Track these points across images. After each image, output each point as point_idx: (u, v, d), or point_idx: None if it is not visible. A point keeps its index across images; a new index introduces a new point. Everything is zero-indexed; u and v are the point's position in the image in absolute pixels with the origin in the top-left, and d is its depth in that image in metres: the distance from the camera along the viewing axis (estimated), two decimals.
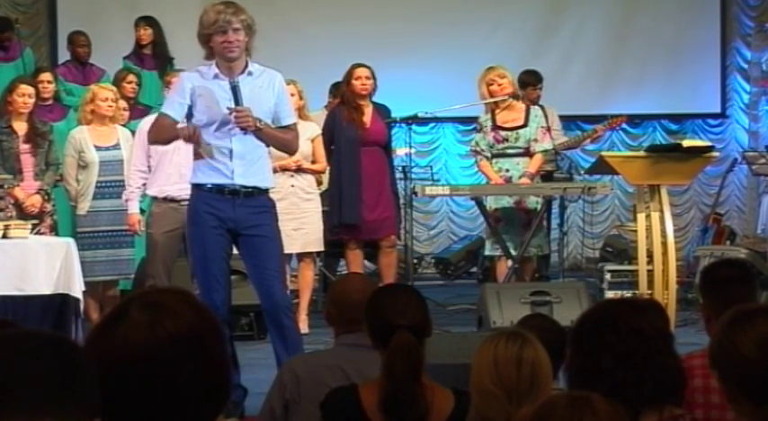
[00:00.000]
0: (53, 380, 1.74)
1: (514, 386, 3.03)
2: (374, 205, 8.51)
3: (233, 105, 5.73)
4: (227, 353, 2.00)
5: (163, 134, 5.95)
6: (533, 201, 8.43)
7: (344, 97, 8.73)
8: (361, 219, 8.55)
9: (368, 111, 8.62)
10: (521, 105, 8.62)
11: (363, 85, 8.61)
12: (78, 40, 10.27)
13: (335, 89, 10.19)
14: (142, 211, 8.31)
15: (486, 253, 8.85)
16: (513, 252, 8.29)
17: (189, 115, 5.84)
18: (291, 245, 7.97)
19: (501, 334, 3.17)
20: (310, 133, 8.50)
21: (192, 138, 5.74)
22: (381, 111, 8.69)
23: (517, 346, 3.07)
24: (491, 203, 8.43)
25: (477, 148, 8.52)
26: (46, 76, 9.21)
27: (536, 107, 8.65)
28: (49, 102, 9.13)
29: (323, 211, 8.73)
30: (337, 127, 8.64)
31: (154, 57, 10.32)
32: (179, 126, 5.83)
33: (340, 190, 8.62)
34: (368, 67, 8.69)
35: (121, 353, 1.86)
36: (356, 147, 8.55)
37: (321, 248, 8.79)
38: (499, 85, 8.45)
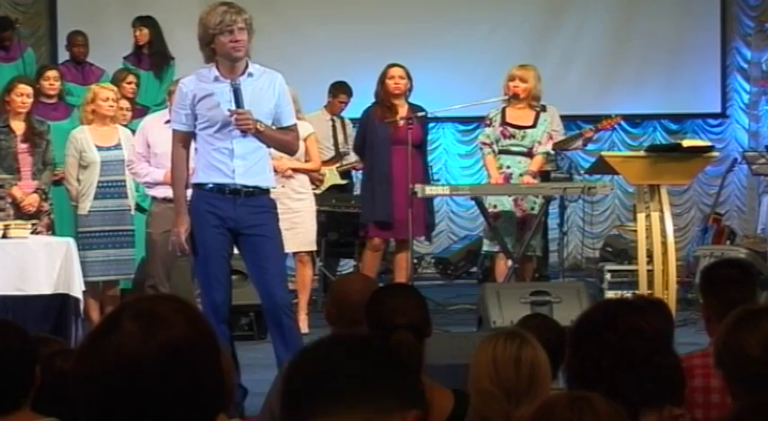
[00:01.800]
0: (368, 376, 1.83)
1: (513, 386, 3.03)
2: (405, 204, 8.45)
3: (234, 107, 5.74)
4: (222, 361, 1.99)
5: (176, 175, 6.00)
6: (531, 202, 8.44)
7: (378, 96, 8.73)
8: (393, 217, 8.54)
9: (402, 111, 8.60)
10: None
11: (396, 84, 8.62)
12: (75, 39, 10.26)
13: (335, 89, 10.20)
14: (143, 211, 8.32)
15: (485, 249, 8.86)
16: (510, 251, 8.29)
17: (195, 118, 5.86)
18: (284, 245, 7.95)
19: (500, 334, 3.17)
20: (302, 132, 8.48)
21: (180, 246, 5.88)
22: (417, 111, 8.66)
23: (516, 346, 3.07)
24: (490, 200, 8.43)
25: (488, 141, 8.51)
26: (52, 73, 9.22)
27: (546, 112, 8.64)
28: (54, 99, 9.14)
29: (326, 212, 8.73)
30: (370, 125, 8.66)
31: (150, 57, 10.31)
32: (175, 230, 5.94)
33: (371, 188, 8.62)
34: (402, 67, 8.71)
35: (113, 363, 1.85)
36: (388, 145, 8.55)
37: (314, 248, 8.78)
38: (515, 85, 8.46)
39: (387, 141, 8.56)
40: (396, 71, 8.67)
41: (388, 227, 8.58)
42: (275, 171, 8.23)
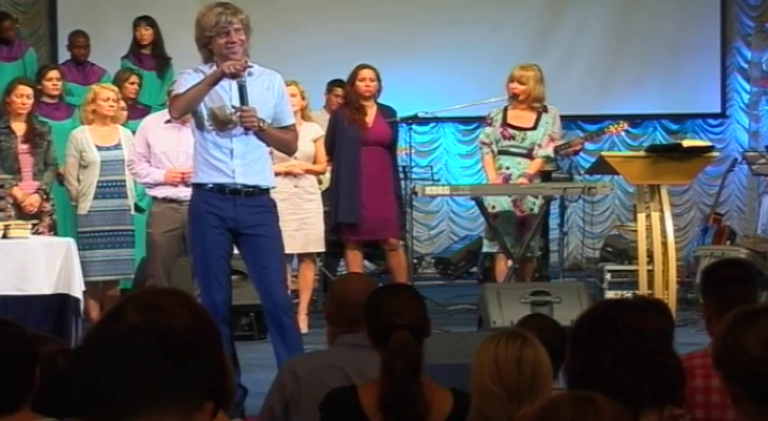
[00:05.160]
0: (166, 376, 1.78)
1: (515, 386, 3.03)
2: (375, 205, 8.49)
3: (238, 104, 5.73)
4: (224, 354, 1.99)
5: (192, 95, 5.70)
6: (530, 202, 8.44)
7: (348, 98, 8.74)
8: (361, 219, 8.55)
9: (371, 112, 8.62)
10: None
11: (367, 86, 8.62)
12: (76, 40, 10.25)
13: (330, 85, 10.20)
14: (142, 211, 8.32)
15: (484, 249, 8.87)
16: (510, 250, 8.29)
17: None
18: (292, 245, 7.97)
19: (501, 334, 3.17)
20: (313, 134, 8.51)
21: (237, 68, 5.59)
22: (386, 112, 8.68)
23: (517, 346, 3.07)
24: (488, 201, 8.44)
25: (487, 141, 8.51)
26: (54, 73, 9.22)
27: (547, 113, 8.61)
28: (56, 100, 9.14)
29: (324, 212, 8.74)
30: (339, 127, 8.66)
31: (153, 57, 10.31)
32: (213, 71, 5.67)
33: (339, 189, 8.64)
34: (372, 69, 8.70)
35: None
36: (356, 146, 8.56)
37: (322, 249, 8.79)
38: (514, 87, 8.46)
39: (355, 142, 8.56)
40: (366, 73, 8.67)
41: (356, 228, 8.58)
42: (290, 174, 8.30)
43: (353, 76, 8.69)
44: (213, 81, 5.68)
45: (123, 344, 1.83)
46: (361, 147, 8.57)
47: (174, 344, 1.85)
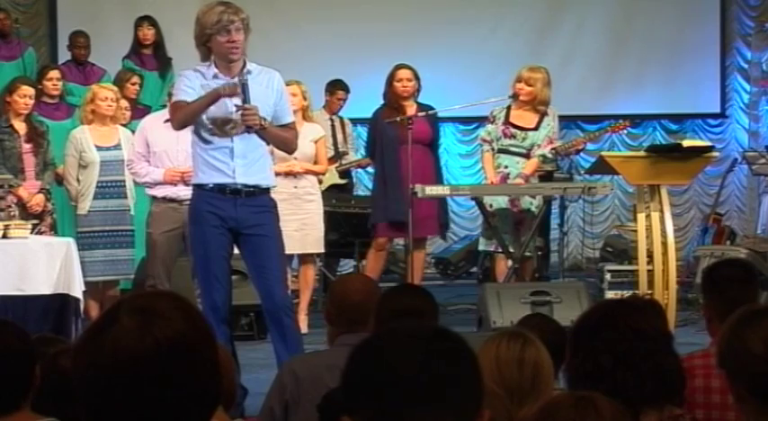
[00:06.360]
0: (442, 381, 1.82)
1: (516, 386, 3.03)
2: (416, 203, 8.43)
3: (239, 103, 5.72)
4: (223, 357, 1.99)
5: (192, 111, 5.72)
6: (527, 202, 8.44)
7: (387, 98, 8.72)
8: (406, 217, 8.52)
9: (411, 111, 8.59)
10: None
11: (405, 87, 8.61)
12: (76, 40, 10.25)
13: (331, 87, 10.20)
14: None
15: (480, 248, 8.86)
16: (508, 249, 8.30)
17: None
18: (291, 245, 7.95)
19: (503, 334, 3.17)
20: (314, 135, 8.49)
21: (234, 91, 5.65)
22: (426, 110, 8.65)
23: (519, 346, 3.07)
24: (486, 200, 8.43)
25: (488, 138, 8.51)
26: (54, 73, 9.22)
27: (549, 116, 8.60)
28: (56, 100, 9.14)
29: (326, 212, 8.75)
30: (380, 126, 8.64)
31: (155, 57, 10.30)
32: (214, 88, 5.68)
33: (384, 188, 8.62)
34: (410, 69, 8.68)
35: (110, 359, 1.85)
36: (397, 145, 8.53)
37: (321, 250, 8.78)
38: (520, 87, 8.45)
39: (396, 141, 8.55)
40: (404, 73, 8.66)
41: (400, 226, 8.57)
42: (290, 174, 8.31)
43: (391, 76, 8.67)
44: (211, 101, 5.70)
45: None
46: (402, 146, 8.54)
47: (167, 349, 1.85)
